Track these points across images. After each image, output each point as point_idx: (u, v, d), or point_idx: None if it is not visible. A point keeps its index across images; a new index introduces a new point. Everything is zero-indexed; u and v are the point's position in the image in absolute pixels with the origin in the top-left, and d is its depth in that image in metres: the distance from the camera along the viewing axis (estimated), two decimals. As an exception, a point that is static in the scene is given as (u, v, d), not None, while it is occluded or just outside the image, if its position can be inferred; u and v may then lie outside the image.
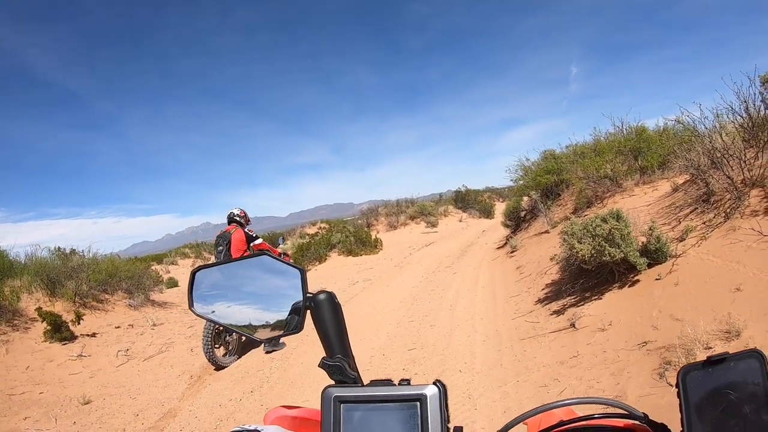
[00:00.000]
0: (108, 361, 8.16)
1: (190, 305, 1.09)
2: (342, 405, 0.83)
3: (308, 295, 0.97)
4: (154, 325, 10.55)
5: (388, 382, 0.85)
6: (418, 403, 0.81)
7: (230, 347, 7.81)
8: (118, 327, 10.05)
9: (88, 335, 9.19)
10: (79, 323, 9.18)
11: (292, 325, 0.99)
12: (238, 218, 8.63)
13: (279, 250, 10.56)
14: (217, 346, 7.49)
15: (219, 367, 7.39)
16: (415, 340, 7.61)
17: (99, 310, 10.78)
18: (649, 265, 6.52)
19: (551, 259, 9.11)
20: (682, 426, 0.80)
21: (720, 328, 4.43)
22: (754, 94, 7.74)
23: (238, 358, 7.86)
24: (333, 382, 0.90)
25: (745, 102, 7.78)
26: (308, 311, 0.97)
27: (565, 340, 6.16)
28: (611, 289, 6.80)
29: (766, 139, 7.24)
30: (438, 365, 6.31)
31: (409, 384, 0.84)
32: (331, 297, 0.96)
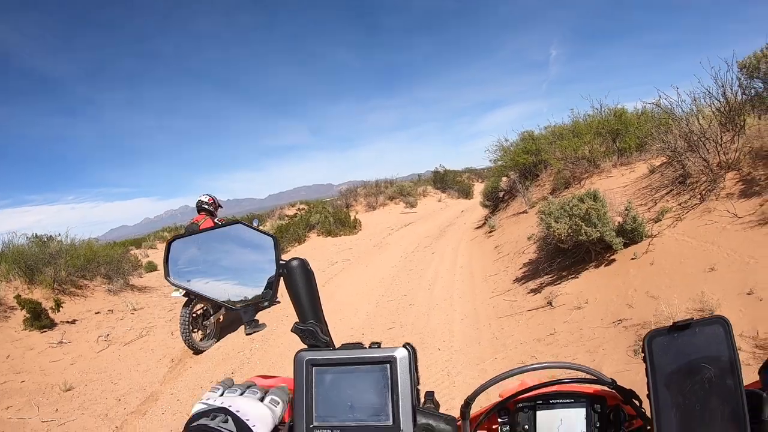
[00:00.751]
0: (88, 347, 8.09)
1: (166, 275, 1.09)
2: (314, 368, 0.85)
3: (281, 262, 0.98)
4: (134, 309, 10.45)
5: (359, 346, 0.87)
6: (388, 365, 0.82)
7: (208, 331, 7.76)
8: (98, 313, 9.95)
9: (68, 322, 9.10)
10: (58, 310, 9.06)
11: (265, 291, 1.00)
12: (207, 206, 8.44)
13: None
14: (194, 330, 7.44)
15: (198, 352, 7.35)
16: (394, 319, 7.65)
17: (78, 296, 10.65)
18: (625, 245, 6.62)
19: (529, 238, 9.19)
20: (648, 390, 0.82)
21: (694, 307, 4.51)
22: (732, 79, 7.87)
23: (216, 342, 7.82)
24: (306, 347, 0.91)
25: (723, 87, 7.89)
26: (281, 278, 0.98)
27: (542, 318, 6.24)
28: (588, 268, 6.90)
29: (742, 124, 7.34)
30: (417, 344, 6.30)
31: (379, 347, 0.85)
32: (303, 263, 0.97)
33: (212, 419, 0.80)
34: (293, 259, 0.97)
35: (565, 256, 7.47)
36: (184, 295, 7.12)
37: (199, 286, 1.07)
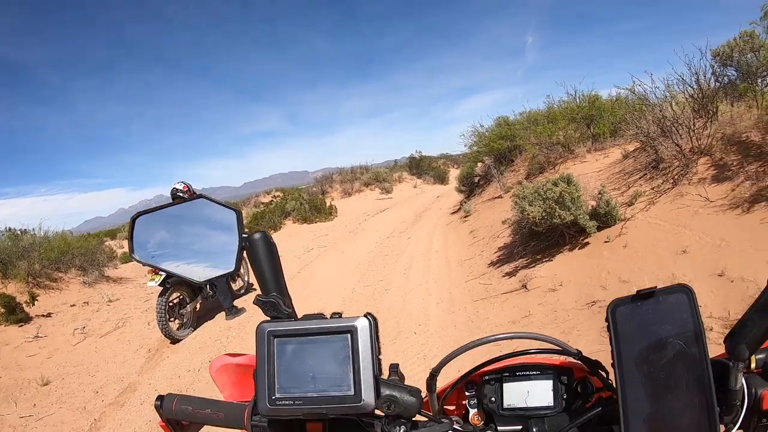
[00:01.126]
0: (65, 340, 7.96)
1: (131, 252, 1.08)
2: (275, 339, 0.84)
3: (243, 235, 0.97)
4: (110, 301, 10.29)
5: (320, 316, 0.87)
6: (349, 335, 0.82)
7: (185, 320, 7.68)
8: (74, 305, 9.79)
9: (43, 315, 8.94)
10: (33, 304, 8.91)
11: (228, 265, 1.00)
12: (181, 194, 8.34)
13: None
14: (171, 319, 7.36)
15: (175, 341, 7.28)
16: (370, 304, 7.64)
17: (53, 289, 10.47)
18: (599, 228, 6.68)
19: (503, 222, 9.24)
20: (612, 358, 0.82)
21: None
22: (705, 66, 7.99)
23: (193, 330, 7.76)
24: (268, 319, 0.90)
25: (697, 74, 8.01)
26: (244, 251, 0.97)
27: (517, 300, 6.29)
28: (562, 251, 6.97)
29: (714, 110, 7.45)
30: (393, 328, 6.36)
31: (340, 317, 0.84)
32: (265, 236, 0.96)
33: None
34: (255, 232, 0.96)
35: (540, 239, 7.53)
36: (159, 284, 7.05)
37: (164, 262, 1.07)
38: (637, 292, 0.82)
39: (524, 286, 6.51)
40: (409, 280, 8.70)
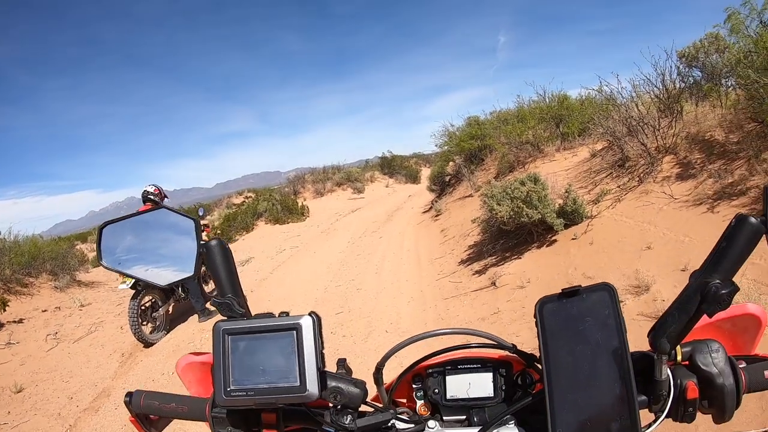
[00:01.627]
0: (37, 346, 7.84)
1: (99, 259, 1.14)
2: (229, 336, 0.90)
3: (201, 242, 1.03)
4: (82, 305, 10.14)
5: (269, 315, 0.92)
6: (294, 332, 0.87)
7: (158, 323, 7.59)
8: (45, 310, 9.64)
9: (14, 322, 8.80)
10: (4, 310, 8.74)
11: (188, 269, 1.06)
12: (152, 197, 8.27)
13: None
14: (144, 323, 7.26)
15: (148, 344, 7.20)
16: (342, 303, 7.65)
17: (24, 294, 10.30)
18: (566, 226, 6.79)
19: (473, 221, 9.32)
20: (540, 351, 0.87)
21: (631, 284, 4.66)
22: (671, 67, 8.17)
23: (166, 333, 7.68)
24: (225, 319, 0.95)
25: (662, 74, 8.18)
26: (202, 257, 1.03)
27: (486, 297, 6.34)
28: (530, 249, 7.04)
29: (679, 110, 7.60)
30: (365, 327, 6.39)
31: (287, 315, 0.90)
32: (221, 243, 1.01)
33: None
34: (212, 239, 1.02)
35: (509, 237, 7.60)
36: (131, 287, 6.98)
37: (130, 268, 1.14)
38: (562, 290, 0.87)
39: (493, 284, 6.56)
40: (381, 279, 8.73)
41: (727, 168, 5.79)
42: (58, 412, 5.57)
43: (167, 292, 7.78)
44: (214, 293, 6.25)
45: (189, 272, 1.05)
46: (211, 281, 9.10)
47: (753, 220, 0.77)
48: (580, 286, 0.86)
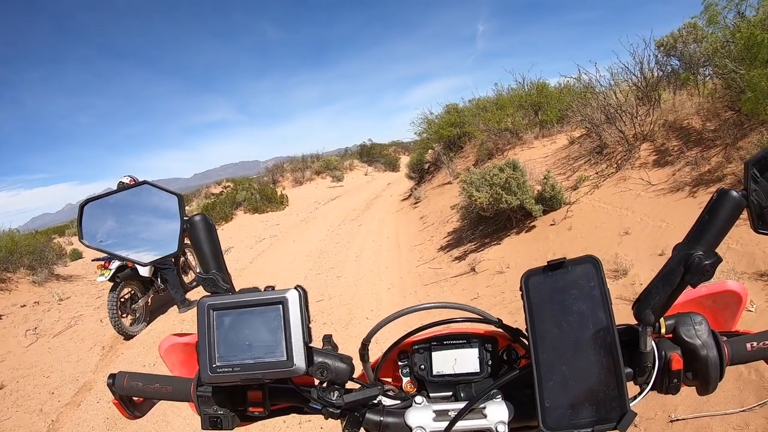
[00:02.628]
0: (17, 342, 7.71)
1: (80, 237, 1.09)
2: (214, 312, 0.88)
3: (185, 218, 1.02)
4: (61, 299, 10.01)
5: (254, 290, 0.90)
6: (280, 306, 0.86)
7: (137, 315, 7.53)
8: (24, 306, 9.50)
9: None
10: None
11: (171, 246, 1.04)
12: None
13: None
14: (123, 315, 7.20)
15: (128, 336, 7.14)
16: (322, 291, 7.65)
17: (2, 290, 10.15)
18: (545, 212, 6.85)
19: (452, 207, 9.35)
20: (526, 323, 0.87)
21: (609, 268, 4.70)
22: (649, 56, 8.25)
23: (147, 325, 7.62)
24: (209, 294, 0.93)
25: (640, 63, 8.25)
26: (186, 233, 1.02)
27: (466, 283, 6.38)
28: (509, 235, 7.09)
29: (657, 98, 7.67)
30: (345, 314, 6.40)
31: (273, 290, 0.88)
32: (205, 218, 1.01)
33: None
34: (196, 214, 1.01)
35: (488, 223, 7.63)
36: (109, 279, 6.90)
37: (111, 246, 1.09)
38: (548, 262, 0.86)
39: (473, 269, 6.59)
40: (361, 267, 8.74)
41: (704, 155, 5.86)
42: (39, 407, 5.52)
43: (146, 283, 7.71)
44: (194, 284, 6.18)
45: (173, 249, 1.02)
46: (191, 272, 9.03)
47: (734, 193, 0.77)
48: (564, 258, 0.86)
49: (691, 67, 7.82)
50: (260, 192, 21.14)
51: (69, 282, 11.93)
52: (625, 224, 5.49)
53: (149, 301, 7.85)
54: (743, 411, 2.73)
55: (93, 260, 8.05)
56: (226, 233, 16.38)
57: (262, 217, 18.86)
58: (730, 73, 5.95)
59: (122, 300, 7.20)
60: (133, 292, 7.46)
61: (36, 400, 5.71)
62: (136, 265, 7.17)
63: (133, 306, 7.44)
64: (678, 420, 2.88)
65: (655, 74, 8.30)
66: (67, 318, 8.75)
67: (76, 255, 16.24)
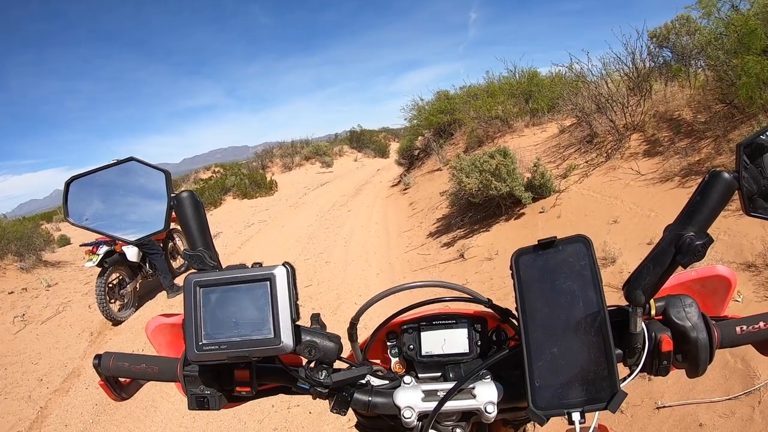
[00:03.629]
0: (4, 329, 7.65)
1: (66, 215, 1.09)
2: (201, 289, 0.86)
3: (172, 194, 1.00)
4: (49, 286, 9.94)
5: (242, 266, 0.89)
6: (268, 282, 0.84)
7: (126, 300, 7.47)
8: (11, 292, 9.43)
9: None
10: None
11: (158, 224, 1.03)
12: None
13: None
14: (111, 300, 7.14)
15: (117, 322, 7.10)
16: (311, 276, 7.66)
17: None
18: (534, 200, 6.87)
19: (441, 194, 9.36)
20: (516, 303, 0.86)
21: (598, 256, 4.68)
22: (642, 46, 8.25)
23: (135, 311, 7.59)
24: (196, 272, 0.92)
25: (633, 53, 8.25)
26: (173, 210, 1.01)
27: (454, 269, 6.40)
28: (498, 222, 7.11)
29: (648, 89, 7.69)
30: (334, 299, 6.41)
31: (261, 266, 0.87)
32: (192, 194, 1.00)
33: None
34: (183, 191, 0.99)
35: (477, 210, 7.65)
36: (97, 264, 6.84)
37: (98, 225, 1.08)
38: (538, 241, 0.86)
39: (462, 256, 6.61)
40: (350, 252, 8.75)
41: (694, 146, 5.88)
42: (28, 394, 5.48)
43: (134, 268, 7.65)
44: (182, 269, 6.16)
45: (159, 227, 1.01)
46: (179, 257, 8.99)
47: (726, 175, 0.77)
48: (555, 237, 0.86)
49: (683, 58, 7.85)
50: (249, 177, 21.07)
51: (57, 268, 11.84)
52: (614, 213, 5.52)
53: (137, 286, 7.80)
54: (729, 399, 2.76)
55: (81, 245, 7.99)
56: (215, 218, 16.31)
57: (251, 202, 18.81)
58: (722, 66, 5.97)
59: (110, 285, 7.14)
60: (121, 277, 7.40)
61: (24, 387, 5.67)
62: (125, 250, 7.12)
63: (122, 291, 7.38)
64: (664, 407, 2.90)
65: (647, 65, 8.30)
66: (55, 304, 8.69)
67: (64, 241, 16.14)
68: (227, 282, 0.86)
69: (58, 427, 4.69)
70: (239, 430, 4.07)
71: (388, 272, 7.23)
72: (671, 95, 7.36)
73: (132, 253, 7.26)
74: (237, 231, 13.14)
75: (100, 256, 6.81)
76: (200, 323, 0.85)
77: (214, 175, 24.99)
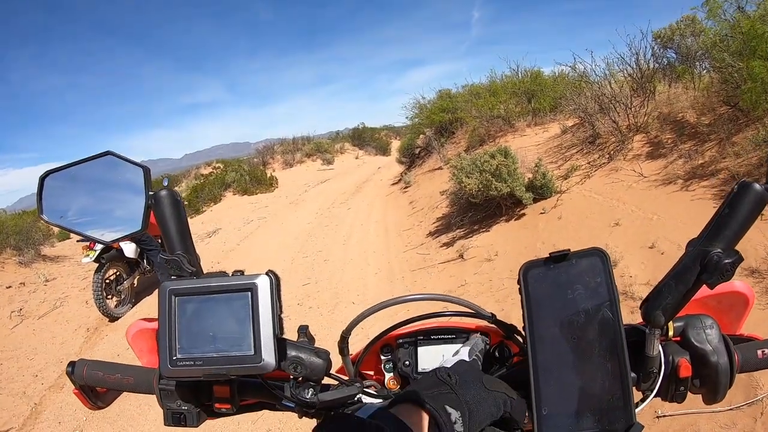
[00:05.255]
0: (1, 323, 7.62)
1: (40, 212, 1.03)
2: (177, 298, 0.81)
3: (150, 193, 0.95)
4: (47, 280, 9.90)
5: (221, 274, 0.83)
6: (249, 293, 0.79)
7: (122, 296, 7.45)
8: (9, 287, 9.39)
9: None
10: None
11: (136, 224, 0.97)
12: None
13: None
14: (108, 296, 7.12)
15: (113, 319, 7.09)
16: (309, 275, 7.63)
17: None
18: (535, 200, 6.83)
19: (442, 193, 9.33)
20: (524, 321, 0.81)
21: (599, 258, 4.68)
22: (646, 47, 8.21)
23: (132, 307, 7.57)
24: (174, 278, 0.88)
25: (637, 54, 8.21)
26: (151, 210, 0.95)
27: (453, 270, 6.36)
28: (498, 222, 7.07)
29: (652, 90, 7.65)
30: (332, 298, 6.37)
31: (242, 274, 0.81)
32: (172, 193, 0.94)
33: None
34: (162, 189, 0.94)
35: (477, 210, 7.60)
36: (94, 260, 6.81)
37: (72, 222, 1.04)
38: (550, 254, 0.80)
39: (461, 256, 6.57)
40: (348, 251, 8.72)
41: (698, 149, 5.83)
42: (23, 390, 5.46)
43: (132, 264, 7.60)
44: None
45: (137, 228, 0.96)
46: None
47: (757, 186, 0.70)
48: (569, 250, 0.80)
49: (688, 60, 7.80)
50: (250, 174, 21.08)
51: (56, 263, 11.82)
52: (616, 215, 5.46)
53: (135, 282, 7.77)
54: (731, 409, 2.72)
55: (78, 240, 7.94)
56: (214, 214, 16.31)
57: (251, 198, 18.80)
58: (727, 68, 5.91)
59: (107, 281, 7.11)
60: (118, 273, 7.36)
61: (20, 383, 5.65)
62: (122, 246, 7.08)
63: (119, 287, 7.35)
64: (665, 416, 2.85)
65: (651, 66, 8.25)
66: (52, 299, 8.66)
67: (64, 235, 16.10)
68: (205, 291, 0.80)
69: (52, 424, 4.67)
70: (233, 430, 4.04)
71: (387, 271, 7.19)
72: (675, 97, 7.31)
73: (129, 249, 7.22)
74: (236, 227, 13.13)
75: (97, 252, 6.77)
76: (175, 336, 0.80)
77: (214, 170, 25.00)
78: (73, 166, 1.03)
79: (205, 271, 0.91)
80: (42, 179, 1.03)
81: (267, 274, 0.80)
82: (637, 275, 4.27)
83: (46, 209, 1.02)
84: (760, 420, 2.59)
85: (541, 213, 6.48)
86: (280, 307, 0.80)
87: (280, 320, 0.80)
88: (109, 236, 1.00)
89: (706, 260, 0.71)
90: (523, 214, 6.81)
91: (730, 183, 4.86)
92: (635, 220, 5.22)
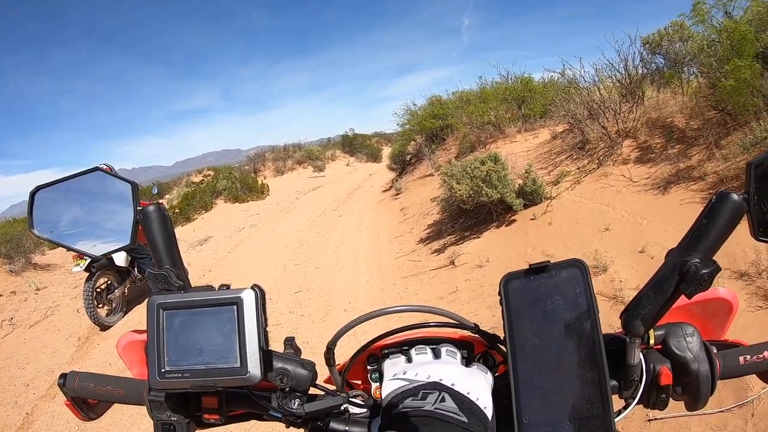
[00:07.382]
0: None
1: (30, 227, 1.03)
2: (164, 312, 0.82)
3: (138, 208, 0.95)
4: (38, 289, 9.86)
5: (208, 288, 0.85)
6: (234, 307, 0.79)
7: (114, 305, 7.43)
8: (0, 295, 9.36)
9: None
10: None
11: (124, 239, 0.98)
12: None
13: (147, 201, 10.15)
14: (99, 305, 7.12)
15: (105, 327, 7.07)
16: (301, 282, 7.61)
17: None
18: (525, 206, 6.84)
19: (432, 200, 9.34)
20: (504, 332, 0.80)
21: (589, 264, 4.68)
22: (634, 53, 8.28)
23: (123, 316, 7.56)
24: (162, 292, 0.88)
25: (625, 60, 8.27)
26: (139, 225, 0.96)
27: (445, 276, 6.35)
28: (489, 228, 7.07)
29: (641, 95, 7.69)
30: (323, 306, 6.35)
31: (228, 288, 0.83)
32: (159, 208, 0.95)
33: (422, 399, 0.78)
34: (150, 204, 0.95)
35: (468, 216, 7.61)
36: (85, 269, 6.80)
37: (62, 237, 1.03)
38: (530, 266, 0.80)
39: (452, 263, 6.57)
40: (340, 258, 8.71)
41: (686, 153, 5.87)
42: (14, 400, 5.43)
43: (123, 273, 7.59)
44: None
45: (125, 242, 0.96)
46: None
47: (735, 197, 0.71)
48: (548, 261, 0.79)
49: (676, 65, 7.85)
50: (241, 181, 21.07)
51: (47, 271, 11.73)
52: (606, 220, 5.48)
53: (126, 291, 7.73)
54: (722, 411, 2.72)
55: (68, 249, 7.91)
56: (205, 222, 16.28)
57: (242, 206, 18.79)
58: (715, 73, 5.95)
59: (98, 290, 7.09)
60: (109, 282, 7.33)
61: (11, 393, 5.61)
62: (112, 255, 7.07)
63: (110, 296, 7.32)
64: (656, 419, 2.85)
65: (640, 71, 8.31)
66: (43, 308, 8.62)
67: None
68: (192, 305, 0.81)
69: (43, 434, 4.62)
70: (225, 438, 4.01)
71: (378, 278, 7.18)
72: (663, 102, 7.36)
73: (120, 258, 7.21)
74: (227, 235, 13.10)
75: (88, 261, 6.75)
76: (163, 348, 0.81)
77: (205, 178, 24.95)
78: (63, 182, 1.05)
79: (193, 284, 0.92)
80: (32, 194, 1.05)
81: (252, 288, 0.80)
82: (627, 280, 4.27)
83: (36, 224, 1.03)
84: (750, 421, 2.60)
85: (532, 219, 6.49)
86: (266, 320, 0.81)
87: (266, 333, 0.81)
88: (98, 250, 1.01)
89: (685, 270, 0.72)
90: (514, 220, 6.82)
91: (718, 186, 4.88)
92: (625, 224, 5.23)
